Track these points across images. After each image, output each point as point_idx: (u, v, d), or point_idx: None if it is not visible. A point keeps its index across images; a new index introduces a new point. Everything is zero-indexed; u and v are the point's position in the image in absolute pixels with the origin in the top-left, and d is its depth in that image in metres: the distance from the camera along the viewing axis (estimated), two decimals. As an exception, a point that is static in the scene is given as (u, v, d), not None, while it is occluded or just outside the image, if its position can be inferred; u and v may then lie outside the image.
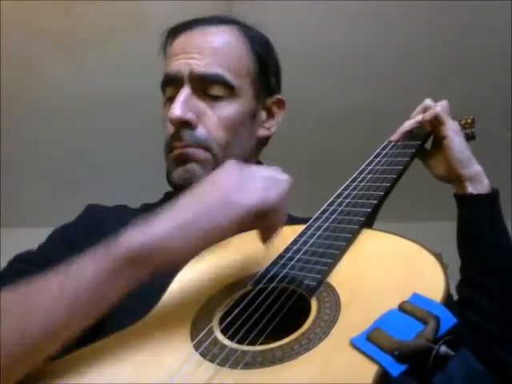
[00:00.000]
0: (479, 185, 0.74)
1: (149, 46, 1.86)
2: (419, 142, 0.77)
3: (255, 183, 0.51)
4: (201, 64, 0.74)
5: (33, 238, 1.12)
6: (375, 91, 1.94)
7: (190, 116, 0.73)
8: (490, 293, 0.70)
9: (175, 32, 0.81)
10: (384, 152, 0.75)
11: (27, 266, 0.67)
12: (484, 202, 0.74)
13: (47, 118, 2.06)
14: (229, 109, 0.76)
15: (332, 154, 2.10)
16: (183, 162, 0.75)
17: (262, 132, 0.83)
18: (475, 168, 0.75)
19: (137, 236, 0.45)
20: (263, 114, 0.83)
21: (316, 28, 1.79)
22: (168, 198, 0.85)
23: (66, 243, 0.71)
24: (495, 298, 0.70)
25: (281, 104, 0.85)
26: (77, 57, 1.89)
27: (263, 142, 0.85)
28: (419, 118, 0.79)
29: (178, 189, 0.75)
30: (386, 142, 0.79)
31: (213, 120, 0.75)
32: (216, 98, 0.75)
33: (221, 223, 0.47)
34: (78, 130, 2.10)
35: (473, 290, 0.71)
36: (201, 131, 0.74)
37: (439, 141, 0.77)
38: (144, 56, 1.87)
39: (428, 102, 0.80)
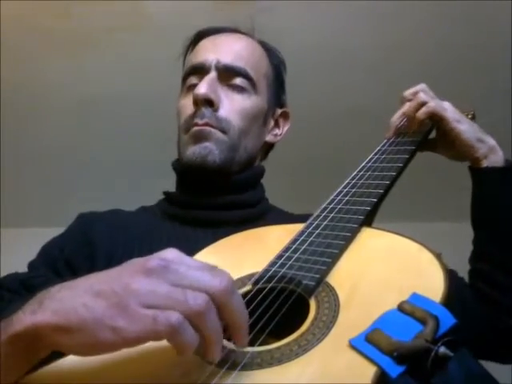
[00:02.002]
0: (494, 158, 0.75)
1: (149, 46, 1.87)
2: (419, 139, 0.76)
3: (163, 297, 0.38)
4: (228, 58, 0.80)
5: (33, 238, 1.12)
6: (373, 91, 1.94)
7: (214, 96, 0.77)
8: (503, 264, 0.71)
9: (199, 37, 0.87)
10: (384, 149, 0.75)
11: (4, 292, 0.68)
12: (499, 174, 0.74)
13: (47, 117, 2.06)
14: (247, 101, 0.81)
15: (330, 153, 2.09)
16: (201, 139, 0.77)
17: (269, 138, 0.88)
18: (487, 144, 0.75)
19: (26, 319, 0.39)
20: (272, 122, 0.88)
21: (310, 28, 1.79)
22: (166, 197, 0.85)
23: (53, 262, 0.73)
24: (507, 269, 0.71)
25: (286, 117, 0.91)
26: (77, 57, 1.89)
27: (267, 148, 0.90)
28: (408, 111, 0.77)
29: (190, 168, 0.78)
30: (385, 140, 0.79)
31: (232, 106, 0.79)
32: (237, 89, 0.80)
33: (107, 340, 0.37)
34: (78, 130, 2.10)
35: (485, 262, 0.73)
36: (222, 112, 0.78)
37: (445, 132, 0.77)
38: (144, 56, 1.88)
39: (417, 92, 0.77)
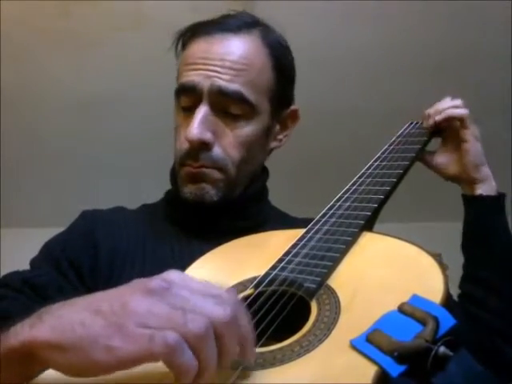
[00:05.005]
0: (488, 187, 0.76)
1: (149, 46, 1.87)
2: (419, 146, 0.78)
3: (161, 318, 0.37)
4: (222, 79, 0.72)
5: (33, 238, 1.12)
6: (374, 91, 1.94)
7: (208, 137, 0.72)
8: (495, 288, 0.72)
9: (192, 34, 0.79)
10: (384, 156, 0.76)
11: (7, 290, 0.68)
12: (493, 202, 0.76)
13: (47, 117, 2.06)
14: (246, 128, 0.75)
15: (333, 153, 2.10)
16: (197, 180, 0.75)
17: (273, 144, 0.83)
18: (486, 171, 0.77)
19: (23, 333, 0.39)
20: (277, 127, 0.82)
21: (319, 27, 1.79)
22: (168, 198, 0.85)
23: (55, 261, 0.73)
24: (499, 294, 0.72)
25: (294, 116, 0.84)
26: (77, 56, 1.89)
27: (271, 151, 0.86)
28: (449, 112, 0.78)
29: (188, 203, 0.76)
30: (386, 146, 0.79)
31: (229, 139, 0.74)
32: (234, 117, 0.74)
33: (102, 360, 0.36)
34: (77, 130, 2.10)
35: (477, 286, 0.73)
36: (217, 151, 0.74)
37: (457, 142, 0.78)
38: (144, 56, 1.88)
39: (458, 101, 0.80)
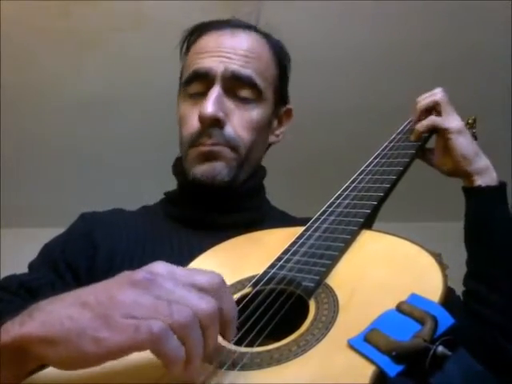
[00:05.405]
0: (488, 178, 0.75)
1: (149, 46, 1.87)
2: (419, 143, 0.77)
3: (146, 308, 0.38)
4: (236, 64, 0.76)
5: (33, 238, 1.12)
6: (373, 91, 1.94)
7: (221, 114, 0.74)
8: (498, 284, 0.71)
9: (201, 30, 0.82)
10: (384, 153, 0.76)
11: (3, 293, 0.68)
12: (493, 193, 0.75)
13: (47, 117, 2.06)
14: (255, 112, 0.78)
15: (332, 153, 2.09)
16: (210, 159, 0.76)
17: (272, 139, 0.86)
18: (483, 162, 0.76)
19: (14, 330, 0.39)
20: (275, 122, 0.86)
21: (317, 26, 1.79)
22: (168, 197, 0.85)
23: (53, 263, 0.73)
24: (502, 290, 0.70)
25: (289, 114, 0.89)
26: (77, 57, 1.89)
27: (268, 147, 0.88)
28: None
29: (197, 185, 0.76)
30: (386, 143, 0.79)
31: (240, 121, 0.77)
32: (244, 100, 0.77)
33: (89, 352, 0.37)
34: (77, 130, 2.10)
35: (480, 282, 0.72)
36: (229, 130, 0.76)
37: (444, 141, 0.77)
38: (144, 56, 1.88)
39: (431, 97, 0.78)
